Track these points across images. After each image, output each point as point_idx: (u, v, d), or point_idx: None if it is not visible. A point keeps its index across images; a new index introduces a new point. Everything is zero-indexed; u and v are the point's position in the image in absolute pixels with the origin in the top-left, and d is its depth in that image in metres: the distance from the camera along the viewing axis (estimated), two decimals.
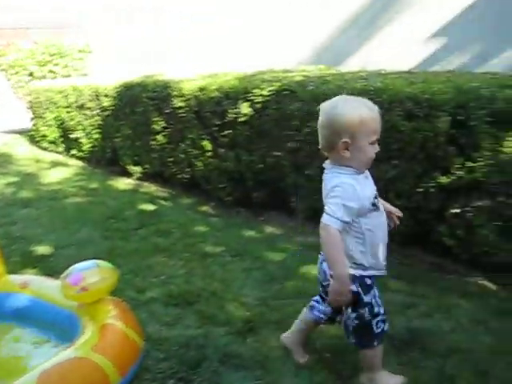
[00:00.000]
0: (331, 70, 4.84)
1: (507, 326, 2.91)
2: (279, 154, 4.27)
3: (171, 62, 6.75)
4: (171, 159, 5.49)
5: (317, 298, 2.58)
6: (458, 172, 3.30)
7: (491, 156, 3.20)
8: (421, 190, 3.46)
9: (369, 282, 2.28)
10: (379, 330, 2.31)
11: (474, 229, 3.38)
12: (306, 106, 3.97)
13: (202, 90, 4.91)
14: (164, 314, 3.04)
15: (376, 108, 2.27)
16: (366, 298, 2.27)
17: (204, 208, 5.11)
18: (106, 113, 6.45)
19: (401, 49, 5.12)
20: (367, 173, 2.37)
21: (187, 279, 3.47)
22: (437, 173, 3.39)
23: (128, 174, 6.31)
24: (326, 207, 2.19)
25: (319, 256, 2.44)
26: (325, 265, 2.33)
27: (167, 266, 3.69)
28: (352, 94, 3.64)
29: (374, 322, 2.29)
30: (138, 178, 6.18)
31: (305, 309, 2.63)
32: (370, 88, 3.59)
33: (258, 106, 4.36)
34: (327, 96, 3.81)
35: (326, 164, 2.37)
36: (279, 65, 5.33)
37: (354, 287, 2.21)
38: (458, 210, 3.51)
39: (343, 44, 5.64)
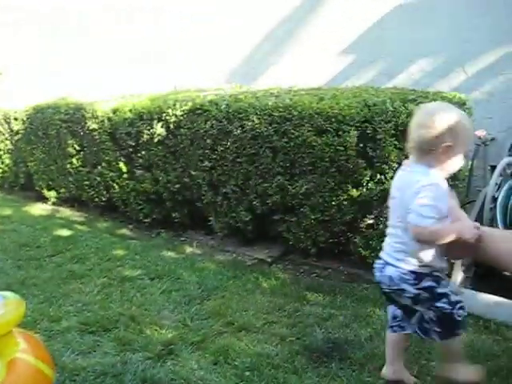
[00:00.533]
0: (243, 88, 4.89)
1: None
2: (195, 173, 4.26)
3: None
4: (87, 182, 5.36)
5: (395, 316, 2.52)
6: (368, 184, 3.40)
7: (398, 167, 3.31)
8: (334, 203, 3.54)
9: (439, 275, 2.32)
10: (460, 318, 2.33)
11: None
12: (220, 125, 3.99)
13: (115, 111, 4.84)
14: (80, 343, 2.95)
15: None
16: (441, 290, 2.29)
17: (122, 231, 5.01)
18: (17, 137, 6.24)
19: (313, 66, 5.24)
20: None
21: (104, 305, 3.38)
22: (349, 186, 3.49)
23: (43, 199, 6.12)
24: (416, 206, 2.15)
25: (377, 264, 2.40)
26: (389, 270, 2.32)
27: (84, 293, 3.59)
28: (263, 111, 3.75)
29: (455, 310, 2.30)
30: (54, 203, 6.00)
31: (387, 333, 2.56)
32: (280, 105, 3.65)
33: (172, 125, 4.35)
34: (240, 114, 3.89)
35: (409, 162, 2.35)
36: (193, 84, 5.34)
37: (427, 282, 2.26)
38: (371, 221, 3.62)
39: (257, 61, 5.72)
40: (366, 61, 4.97)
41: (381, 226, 3.47)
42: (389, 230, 2.39)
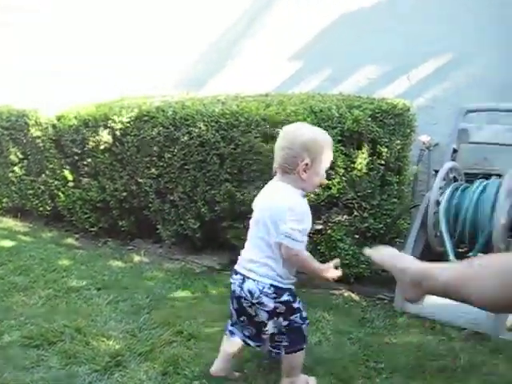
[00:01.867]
0: (191, 94, 4.86)
1: (368, 334, 3.04)
2: (142, 180, 4.20)
3: None
4: (31, 191, 5.22)
5: (232, 324, 2.59)
6: (316, 190, 3.43)
7: (344, 173, 3.36)
8: None
9: (294, 290, 2.46)
10: (306, 333, 2.48)
11: (335, 243, 3.52)
12: (166, 132, 3.95)
13: (59, 118, 4.74)
14: (23, 358, 2.85)
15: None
16: (296, 305, 2.42)
17: (68, 240, 4.89)
18: None
19: (260, 72, 5.25)
20: None
21: (49, 318, 3.28)
22: None
23: None
24: (288, 230, 2.29)
25: (234, 279, 2.47)
26: (249, 284, 2.38)
27: (27, 306, 3.47)
28: (210, 118, 3.73)
29: (304, 325, 2.45)
30: None
31: (225, 337, 2.62)
32: (227, 111, 3.65)
33: (119, 132, 4.28)
34: (187, 121, 3.86)
35: (274, 182, 2.49)
36: (139, 91, 5.28)
37: (286, 297, 2.37)
38: (319, 227, 3.64)
39: (205, 68, 5.70)
40: (313, 67, 5.02)
41: (329, 231, 3.50)
42: (249, 245, 2.49)
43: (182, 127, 3.86)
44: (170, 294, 3.59)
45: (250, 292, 2.37)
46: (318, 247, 3.54)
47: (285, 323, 2.39)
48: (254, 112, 3.54)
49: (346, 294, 3.59)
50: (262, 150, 3.48)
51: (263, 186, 3.54)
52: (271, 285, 2.35)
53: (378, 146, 3.48)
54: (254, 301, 2.38)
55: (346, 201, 3.51)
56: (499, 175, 3.28)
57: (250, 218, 3.63)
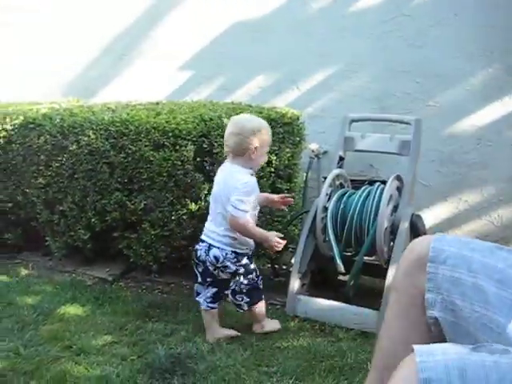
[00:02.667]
0: (81, 102, 4.74)
1: (260, 340, 3.08)
2: (29, 191, 4.04)
3: None
4: None
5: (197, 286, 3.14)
6: (206, 198, 3.44)
7: None
8: (174, 217, 3.53)
9: (250, 253, 3.06)
10: (261, 286, 3.08)
11: None
12: (54, 140, 3.83)
13: None
14: None
15: None
16: (253, 266, 3.04)
17: None
18: None
19: (152, 80, 5.21)
20: None
21: None
22: (187, 200, 3.50)
23: None
24: (234, 200, 2.81)
25: (201, 246, 3.04)
26: (214, 251, 2.96)
27: None
28: (100, 126, 3.66)
29: (259, 281, 3.07)
30: None
31: (202, 310, 3.13)
32: (117, 119, 3.59)
33: (2, 141, 4.10)
34: (75, 129, 3.76)
35: (227, 163, 2.96)
36: (26, 98, 5.08)
37: (245, 260, 2.99)
38: None
39: (96, 75, 5.56)
40: (205, 76, 5.05)
41: None
42: (210, 217, 3.02)
43: (71, 135, 3.75)
44: (58, 308, 3.46)
45: (215, 257, 2.94)
46: None
47: (245, 281, 2.99)
48: (145, 120, 3.51)
49: None
50: (153, 159, 3.45)
51: (154, 195, 3.55)
52: (232, 251, 2.94)
53: (268, 154, 3.54)
54: (219, 265, 2.95)
55: None
56: (383, 181, 3.43)
57: (142, 227, 3.63)
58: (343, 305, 3.28)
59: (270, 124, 3.53)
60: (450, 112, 4.23)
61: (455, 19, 4.16)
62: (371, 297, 3.31)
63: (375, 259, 3.41)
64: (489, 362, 1.03)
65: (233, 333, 3.12)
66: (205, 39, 5.01)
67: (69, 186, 3.86)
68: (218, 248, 2.93)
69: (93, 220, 3.80)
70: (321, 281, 3.62)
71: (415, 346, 1.10)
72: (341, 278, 3.54)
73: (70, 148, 3.75)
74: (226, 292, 3.07)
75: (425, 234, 3.49)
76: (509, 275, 1.27)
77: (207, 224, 3.03)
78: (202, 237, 3.02)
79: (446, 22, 4.19)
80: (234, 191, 2.81)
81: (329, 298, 3.36)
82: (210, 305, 3.08)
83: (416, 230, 3.38)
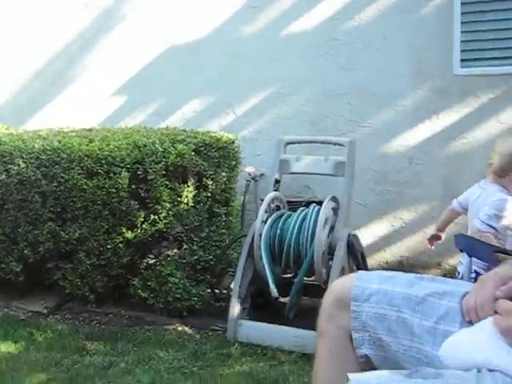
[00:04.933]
0: (10, 129, 4.60)
1: (202, 367, 3.04)
2: None
3: None
4: None
5: None
6: (143, 225, 3.40)
7: (171, 207, 3.37)
8: (110, 246, 3.46)
9: None
10: None
11: (165, 278, 3.50)
12: None
13: None
14: None
15: None
16: None
17: None
18: None
19: (86, 106, 5.12)
20: None
21: None
22: (123, 228, 3.44)
23: None
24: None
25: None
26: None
27: None
28: (30, 155, 3.56)
29: None
30: None
31: None
32: (48, 148, 3.50)
33: None
34: (4, 157, 3.64)
35: (486, 183, 2.90)
36: None
37: None
38: (149, 262, 3.62)
39: (27, 101, 5.43)
40: (139, 101, 5.00)
41: (158, 267, 3.48)
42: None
43: None
44: None
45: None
46: (149, 283, 3.49)
47: None
48: (77, 148, 3.44)
49: (179, 329, 3.55)
50: (86, 187, 3.38)
51: (89, 224, 3.47)
52: None
53: (204, 179, 3.54)
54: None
55: (175, 234, 3.51)
56: (320, 202, 3.47)
57: (77, 257, 3.53)
58: (284, 327, 3.28)
59: (205, 149, 3.55)
60: (382, 132, 4.34)
61: (384, 42, 4.30)
62: (312, 317, 3.28)
63: (315, 279, 3.43)
64: None
65: None
66: (138, 64, 4.99)
67: None
68: None
69: (25, 251, 3.67)
70: (262, 304, 3.61)
71: (350, 375, 1.10)
72: (281, 300, 3.55)
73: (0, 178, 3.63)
74: None
75: (362, 253, 3.55)
76: (429, 304, 1.29)
77: None
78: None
79: (376, 45, 4.32)
80: (493, 211, 2.74)
81: (270, 321, 3.35)
82: None
83: (353, 249, 3.42)
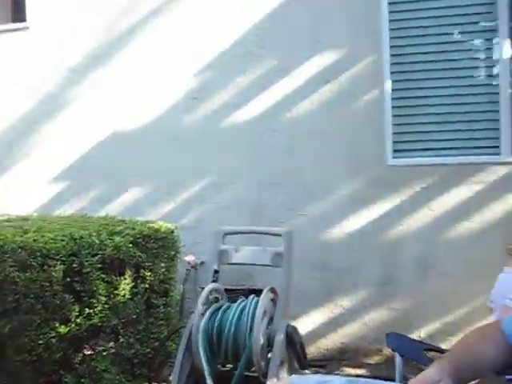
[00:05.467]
0: None
1: None
2: None
3: None
4: None
5: None
6: (77, 319, 3.30)
7: (107, 300, 3.30)
8: (42, 341, 3.32)
9: None
10: None
11: (99, 374, 3.37)
12: None
13: None
14: None
15: None
16: None
17: None
18: None
19: (23, 193, 5.05)
20: None
21: None
22: (56, 322, 3.32)
23: None
24: None
25: None
26: None
27: None
28: None
29: None
30: None
31: None
32: None
33: None
34: None
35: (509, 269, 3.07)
36: None
37: None
38: (84, 356, 3.48)
39: None
40: (79, 187, 4.99)
41: (93, 363, 3.36)
42: None
43: None
44: None
45: None
46: (82, 380, 3.35)
47: None
48: (10, 239, 3.35)
49: None
50: (19, 280, 3.27)
51: (20, 319, 3.33)
52: None
53: (142, 271, 3.50)
54: None
55: (112, 326, 3.42)
56: (260, 291, 3.46)
57: (6, 353, 3.37)
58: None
59: (143, 240, 3.53)
60: (319, 220, 4.44)
61: (322, 133, 4.46)
62: None
63: (255, 371, 3.37)
64: None
65: None
66: (79, 151, 5.00)
67: None
68: None
69: None
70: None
71: None
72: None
73: None
74: None
75: (301, 344, 3.52)
76: None
77: None
78: None
79: (313, 136, 4.48)
80: None
81: None
82: None
83: (292, 341, 3.40)
